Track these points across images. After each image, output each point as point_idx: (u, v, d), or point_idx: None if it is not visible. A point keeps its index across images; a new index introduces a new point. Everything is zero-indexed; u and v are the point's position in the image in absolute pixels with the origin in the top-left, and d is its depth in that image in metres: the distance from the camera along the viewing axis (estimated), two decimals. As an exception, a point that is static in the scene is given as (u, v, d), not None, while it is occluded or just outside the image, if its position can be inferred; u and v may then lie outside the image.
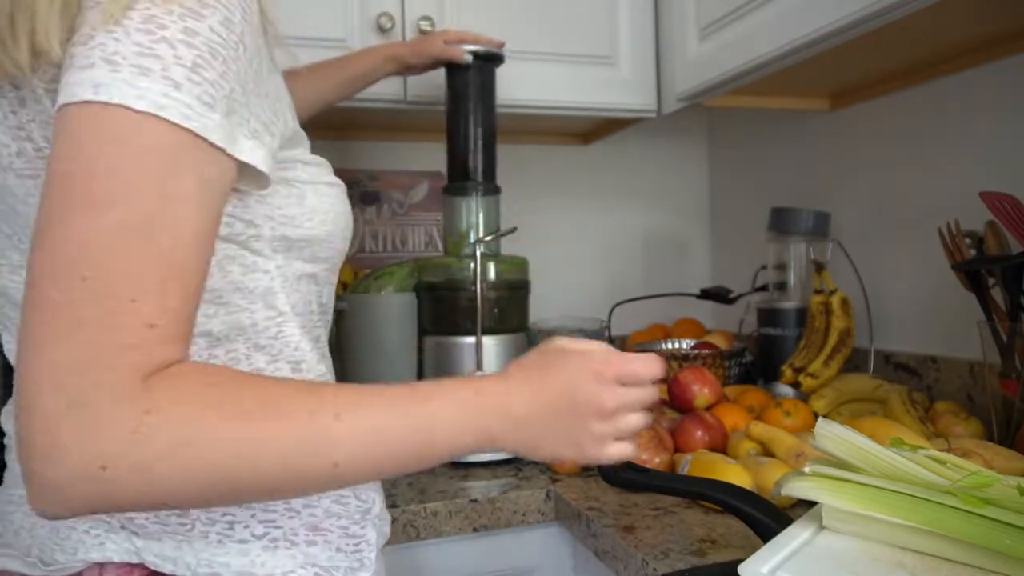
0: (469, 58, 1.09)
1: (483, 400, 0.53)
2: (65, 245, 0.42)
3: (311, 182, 0.61)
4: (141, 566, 0.56)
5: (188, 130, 0.45)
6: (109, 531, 0.56)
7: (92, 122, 0.44)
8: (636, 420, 0.56)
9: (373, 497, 0.65)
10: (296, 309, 0.61)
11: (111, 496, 0.42)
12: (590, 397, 0.54)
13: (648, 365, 0.57)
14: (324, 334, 0.68)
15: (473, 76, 1.11)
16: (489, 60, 1.11)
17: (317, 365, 0.62)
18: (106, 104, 0.43)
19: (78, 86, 0.44)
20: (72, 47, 0.46)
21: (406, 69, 1.12)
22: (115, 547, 0.56)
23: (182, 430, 0.42)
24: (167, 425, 0.42)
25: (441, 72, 1.14)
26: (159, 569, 0.55)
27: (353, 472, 0.49)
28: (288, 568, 0.58)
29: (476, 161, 1.12)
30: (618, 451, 0.56)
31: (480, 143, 1.12)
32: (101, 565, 0.56)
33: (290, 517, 0.59)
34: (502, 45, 1.13)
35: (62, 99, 0.45)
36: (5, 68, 0.49)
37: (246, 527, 0.57)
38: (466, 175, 1.12)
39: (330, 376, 0.66)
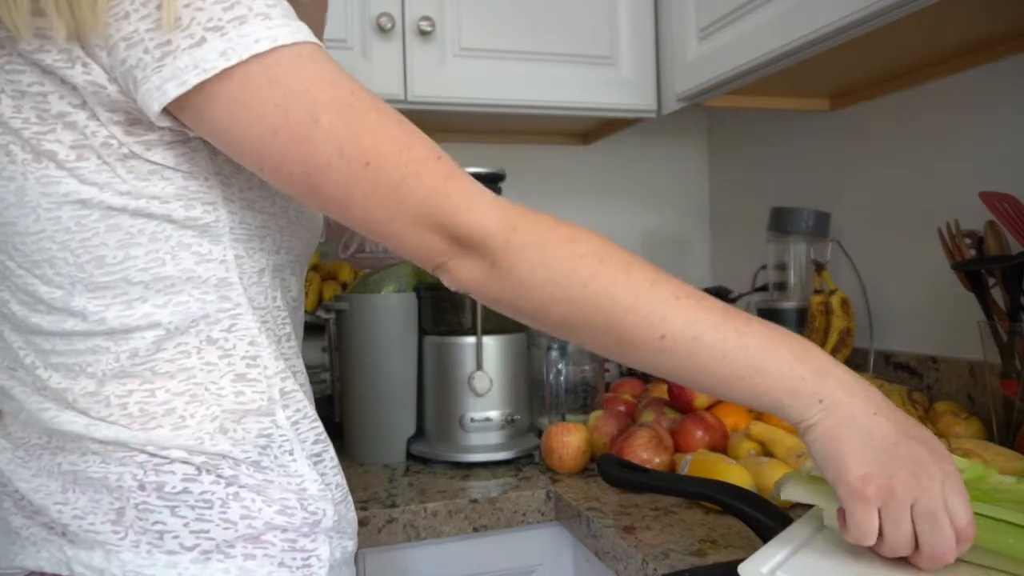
0: None
1: (825, 367, 0.51)
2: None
3: None
4: None
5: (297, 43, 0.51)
6: (47, 538, 0.56)
7: (246, 81, 0.50)
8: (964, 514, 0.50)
9: (324, 508, 0.59)
10: (255, 303, 0.59)
11: None
12: (937, 449, 0.51)
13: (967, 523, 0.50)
14: (294, 333, 0.65)
15: None
16: None
17: (275, 362, 0.59)
18: (238, 64, 0.49)
19: (204, 61, 0.49)
20: (146, 35, 0.49)
21: None
22: (48, 555, 0.55)
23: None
24: None
25: (445, 74, 1.12)
26: None
27: (676, 354, 0.50)
28: None
29: None
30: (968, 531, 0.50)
31: None
32: (40, 575, 0.56)
33: (225, 528, 0.55)
34: None
35: (193, 79, 0.49)
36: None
37: (175, 537, 0.54)
38: None
39: (293, 377, 0.62)
